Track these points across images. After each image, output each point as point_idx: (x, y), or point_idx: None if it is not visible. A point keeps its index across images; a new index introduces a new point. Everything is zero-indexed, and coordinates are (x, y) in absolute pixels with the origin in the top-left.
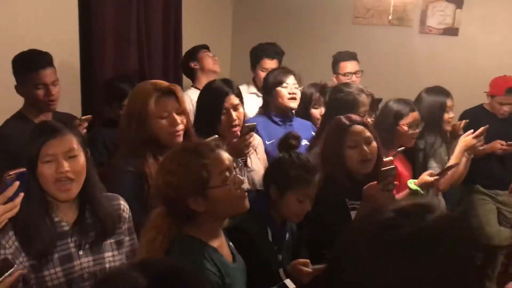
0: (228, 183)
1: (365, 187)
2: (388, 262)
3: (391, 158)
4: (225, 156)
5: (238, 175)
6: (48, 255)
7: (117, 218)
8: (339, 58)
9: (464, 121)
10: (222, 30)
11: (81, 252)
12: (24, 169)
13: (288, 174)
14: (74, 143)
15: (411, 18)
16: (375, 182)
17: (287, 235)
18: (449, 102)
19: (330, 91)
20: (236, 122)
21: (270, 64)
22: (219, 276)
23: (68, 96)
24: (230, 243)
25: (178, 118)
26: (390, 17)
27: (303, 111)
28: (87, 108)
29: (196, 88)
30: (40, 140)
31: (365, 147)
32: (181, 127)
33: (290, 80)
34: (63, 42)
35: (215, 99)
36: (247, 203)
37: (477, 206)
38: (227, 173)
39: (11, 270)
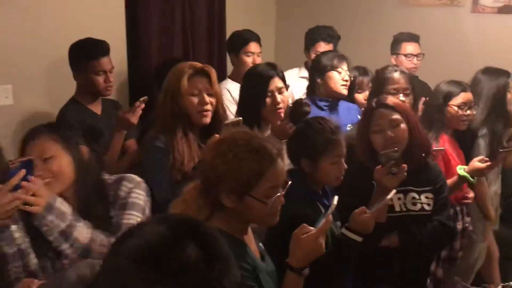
0: (269, 201)
1: (374, 171)
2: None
3: (442, 148)
4: (282, 170)
5: (281, 196)
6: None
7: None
8: (401, 39)
9: None
10: (267, 14)
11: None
12: (32, 157)
13: (315, 142)
14: (48, 146)
15: None
16: (381, 166)
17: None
18: (510, 82)
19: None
20: (281, 105)
21: (325, 48)
22: (252, 269)
23: (115, 83)
24: (260, 244)
25: (208, 98)
26: None
27: (347, 96)
28: (134, 95)
29: (231, 79)
30: (22, 144)
31: (389, 132)
32: (209, 107)
33: (345, 67)
34: (109, 30)
35: (260, 82)
36: (277, 219)
37: None
38: (274, 191)
39: None
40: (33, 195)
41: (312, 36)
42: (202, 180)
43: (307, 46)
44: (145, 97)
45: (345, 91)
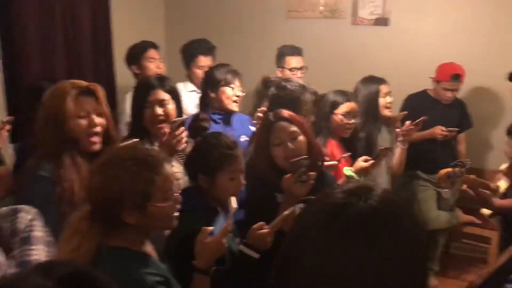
0: (168, 202)
1: (283, 179)
2: (345, 245)
3: (335, 162)
4: (172, 172)
5: (178, 196)
6: None
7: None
8: (285, 52)
9: (403, 113)
10: (155, 27)
11: None
12: None
13: (211, 157)
14: None
15: (343, 10)
16: (290, 174)
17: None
18: (384, 88)
19: (274, 87)
20: (161, 118)
21: (205, 61)
22: (164, 279)
23: None
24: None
25: (97, 120)
26: (321, 8)
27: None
28: (11, 113)
29: None
30: None
31: (289, 144)
32: (99, 129)
33: (238, 83)
34: None
35: (141, 92)
36: (176, 222)
37: (418, 192)
38: (171, 192)
39: None
40: None
41: (190, 51)
42: (94, 207)
43: (187, 61)
44: (11, 117)
45: (236, 108)
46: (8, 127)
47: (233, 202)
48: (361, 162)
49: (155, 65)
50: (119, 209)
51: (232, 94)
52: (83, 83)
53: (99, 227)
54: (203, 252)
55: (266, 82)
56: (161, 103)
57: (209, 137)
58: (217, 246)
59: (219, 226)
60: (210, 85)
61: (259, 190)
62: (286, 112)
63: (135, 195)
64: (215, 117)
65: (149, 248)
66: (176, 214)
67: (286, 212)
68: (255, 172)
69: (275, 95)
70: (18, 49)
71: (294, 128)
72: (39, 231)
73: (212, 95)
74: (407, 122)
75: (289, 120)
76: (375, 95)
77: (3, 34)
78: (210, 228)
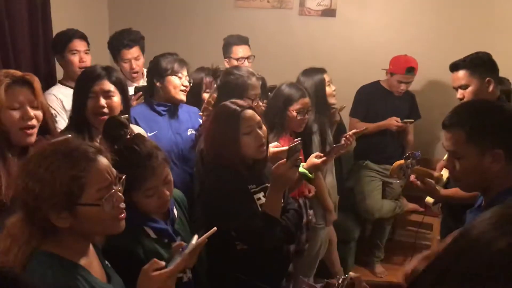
0: (104, 202)
1: (274, 166)
2: None
3: (285, 148)
4: (106, 167)
5: (119, 192)
6: None
7: None
8: (231, 42)
9: (341, 106)
10: (98, 15)
11: None
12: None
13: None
14: None
15: (291, 0)
16: (284, 160)
17: (176, 219)
18: (327, 77)
19: (221, 74)
20: (105, 110)
21: (130, 53)
22: None
23: None
24: (106, 262)
25: (32, 112)
26: None
27: (194, 97)
28: None
29: (62, 83)
30: None
31: (259, 131)
32: (34, 122)
33: (185, 72)
34: None
35: (85, 81)
36: (122, 224)
37: (364, 183)
38: (105, 191)
39: None
40: None
41: (114, 45)
42: (23, 210)
43: (114, 56)
44: None
45: (183, 97)
46: None
47: (195, 239)
48: (313, 159)
49: (78, 57)
50: (45, 212)
51: (179, 83)
52: (18, 73)
53: (33, 231)
54: (148, 285)
55: (215, 72)
56: (107, 95)
57: (119, 150)
58: (164, 285)
59: (174, 260)
60: (155, 74)
61: (229, 183)
62: (245, 102)
63: (57, 196)
64: (160, 108)
65: (93, 263)
66: (122, 215)
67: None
68: (222, 164)
69: (222, 82)
70: None
71: (258, 116)
72: None
73: (158, 84)
74: (350, 133)
75: (253, 109)
76: (321, 85)
77: None
78: (162, 262)
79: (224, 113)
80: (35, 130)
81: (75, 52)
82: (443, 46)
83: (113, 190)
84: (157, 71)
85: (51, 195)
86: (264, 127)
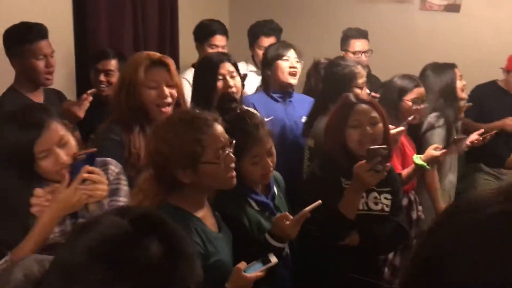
0: (220, 160)
1: (355, 165)
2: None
3: (402, 128)
4: (222, 132)
5: (231, 153)
6: None
7: None
8: (350, 35)
9: (468, 104)
10: (219, 7)
11: None
12: (95, 149)
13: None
14: (61, 130)
15: None
16: (365, 161)
17: (276, 193)
18: (458, 72)
19: (326, 66)
20: (234, 89)
21: (268, 41)
22: (202, 245)
23: (62, 72)
24: (216, 213)
25: (168, 91)
26: None
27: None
28: (82, 87)
29: (194, 67)
30: (29, 139)
31: (368, 128)
32: (169, 100)
33: (291, 54)
34: (56, 17)
35: (210, 66)
36: (234, 181)
37: (479, 185)
38: (221, 151)
39: None
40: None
41: (254, 31)
42: (154, 168)
43: (250, 42)
44: (94, 89)
45: (293, 80)
46: (90, 98)
47: (273, 259)
48: (431, 151)
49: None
50: (173, 170)
51: (286, 66)
52: (157, 54)
53: (161, 187)
54: (239, 282)
55: (317, 64)
56: (231, 75)
57: (231, 119)
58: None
59: (253, 266)
60: (265, 65)
61: (324, 171)
62: (367, 97)
63: (185, 156)
64: (275, 95)
65: (207, 214)
66: (233, 174)
67: (314, 205)
68: (322, 151)
69: (329, 73)
70: (89, 25)
71: (375, 114)
72: (124, 185)
73: (269, 73)
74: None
75: (371, 105)
76: (452, 81)
77: (76, 11)
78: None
79: (341, 103)
80: (171, 108)
81: (214, 47)
82: None
83: (227, 152)
84: (266, 61)
85: (180, 155)
86: (380, 125)
